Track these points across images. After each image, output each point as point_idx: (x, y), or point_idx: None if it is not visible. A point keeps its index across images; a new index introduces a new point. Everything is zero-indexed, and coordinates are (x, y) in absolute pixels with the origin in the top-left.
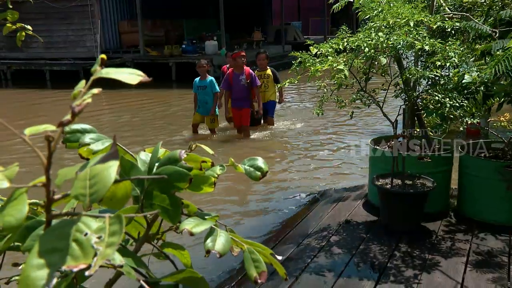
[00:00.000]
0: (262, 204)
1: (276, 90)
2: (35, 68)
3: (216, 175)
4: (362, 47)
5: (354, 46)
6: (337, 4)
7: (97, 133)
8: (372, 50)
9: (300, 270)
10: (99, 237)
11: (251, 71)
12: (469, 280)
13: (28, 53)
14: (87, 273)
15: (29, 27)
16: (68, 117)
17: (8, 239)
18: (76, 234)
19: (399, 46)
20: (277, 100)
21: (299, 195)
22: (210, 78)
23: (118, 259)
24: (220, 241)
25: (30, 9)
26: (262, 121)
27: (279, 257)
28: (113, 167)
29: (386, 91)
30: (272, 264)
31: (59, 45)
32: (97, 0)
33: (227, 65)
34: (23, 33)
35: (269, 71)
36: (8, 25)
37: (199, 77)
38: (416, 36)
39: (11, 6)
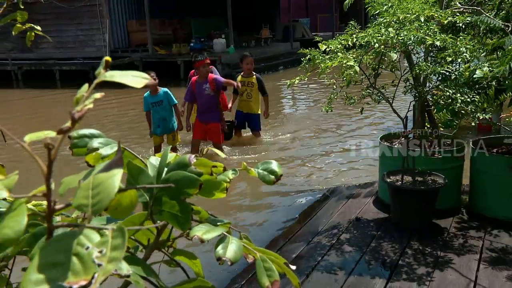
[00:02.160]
0: (271, 202)
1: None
2: (45, 68)
3: (228, 180)
4: (372, 43)
5: (363, 42)
6: (347, 1)
7: (105, 137)
8: (382, 46)
9: (311, 268)
10: (100, 251)
11: (214, 76)
12: (482, 277)
13: (38, 53)
14: None
15: (38, 27)
16: (68, 124)
17: (16, 246)
18: (77, 247)
19: (410, 41)
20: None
21: (309, 193)
22: (163, 89)
23: (125, 268)
24: (231, 248)
25: (39, 10)
26: (233, 134)
27: (293, 267)
28: (117, 175)
29: (396, 87)
30: (285, 274)
31: (69, 45)
32: None
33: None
34: (33, 33)
35: (254, 79)
36: (18, 25)
37: (147, 92)
38: (427, 31)
39: (22, 7)
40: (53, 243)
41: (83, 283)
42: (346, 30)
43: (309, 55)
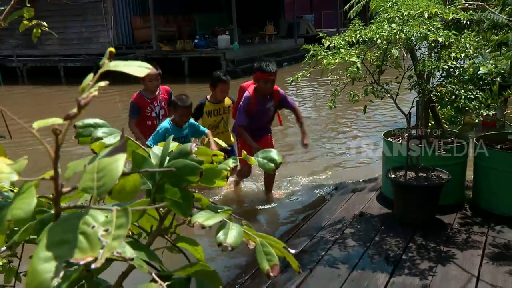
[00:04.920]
0: (275, 197)
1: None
2: (50, 65)
3: (229, 168)
4: (375, 39)
5: (367, 38)
6: (353, 9)
7: (109, 127)
8: (385, 42)
9: (314, 262)
10: (106, 230)
11: (281, 90)
12: (485, 273)
13: (43, 50)
14: (93, 265)
15: (44, 23)
16: (74, 110)
17: (23, 232)
18: (83, 226)
19: (412, 37)
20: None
21: (313, 188)
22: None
23: (129, 251)
24: (232, 234)
25: (44, 7)
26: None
27: (292, 251)
28: (120, 160)
29: (399, 84)
30: (285, 258)
31: (73, 42)
32: None
33: (140, 91)
34: (39, 30)
35: (229, 101)
36: (25, 22)
37: (166, 122)
38: (430, 27)
39: (28, 4)
40: (60, 223)
41: (90, 259)
42: (350, 26)
43: (312, 51)
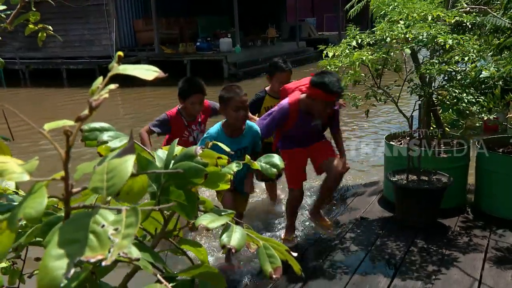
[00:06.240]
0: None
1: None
2: (52, 67)
3: (233, 172)
4: (384, 37)
5: (378, 37)
6: (353, 9)
7: (115, 130)
8: (394, 41)
9: (316, 266)
10: (115, 229)
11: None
12: (487, 277)
13: (45, 52)
14: (103, 263)
15: (49, 27)
16: (86, 112)
17: (30, 234)
18: (93, 225)
19: (422, 37)
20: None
21: (313, 192)
22: (250, 125)
23: (135, 252)
24: (235, 237)
25: (47, 9)
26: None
27: (294, 253)
28: (129, 161)
29: (401, 87)
30: (287, 261)
31: (75, 44)
32: None
33: (179, 108)
34: (44, 34)
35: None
36: (30, 26)
37: (218, 126)
38: (439, 30)
39: (34, 9)
40: (71, 222)
41: (100, 257)
42: (347, 33)
43: (326, 51)
